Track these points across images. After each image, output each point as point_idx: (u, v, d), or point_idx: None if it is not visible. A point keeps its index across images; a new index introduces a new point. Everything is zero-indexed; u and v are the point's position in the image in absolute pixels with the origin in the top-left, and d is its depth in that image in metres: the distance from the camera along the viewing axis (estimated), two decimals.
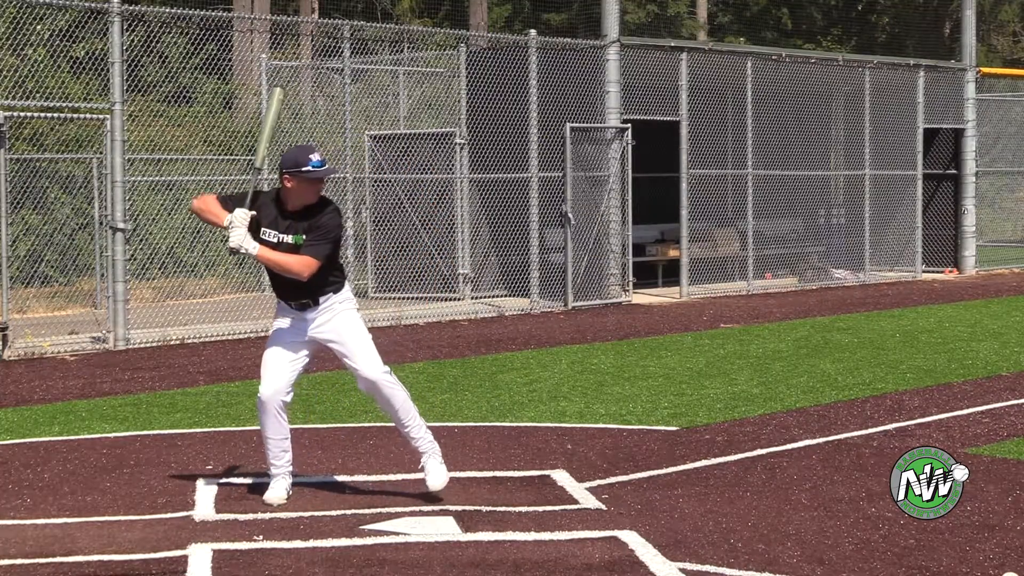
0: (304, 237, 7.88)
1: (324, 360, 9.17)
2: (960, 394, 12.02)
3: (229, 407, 11.59)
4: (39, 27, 18.05)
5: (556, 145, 20.03)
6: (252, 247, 7.81)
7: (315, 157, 7.83)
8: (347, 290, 8.13)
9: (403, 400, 8.05)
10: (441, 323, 18.23)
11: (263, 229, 7.92)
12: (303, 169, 7.80)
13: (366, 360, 7.99)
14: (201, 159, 21.29)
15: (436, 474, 8.04)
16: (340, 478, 8.67)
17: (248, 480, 8.62)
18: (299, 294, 7.99)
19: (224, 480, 8.64)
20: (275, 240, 7.89)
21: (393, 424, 8.25)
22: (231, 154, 21.39)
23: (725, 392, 12.14)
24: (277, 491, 8.04)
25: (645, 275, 22.37)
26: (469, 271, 20.56)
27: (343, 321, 8.02)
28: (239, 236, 7.79)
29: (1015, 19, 48.86)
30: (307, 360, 8.13)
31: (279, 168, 7.91)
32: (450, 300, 20.13)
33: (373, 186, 20.76)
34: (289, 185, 7.84)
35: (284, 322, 8.08)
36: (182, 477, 8.77)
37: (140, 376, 13.57)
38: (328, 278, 8.00)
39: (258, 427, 8.20)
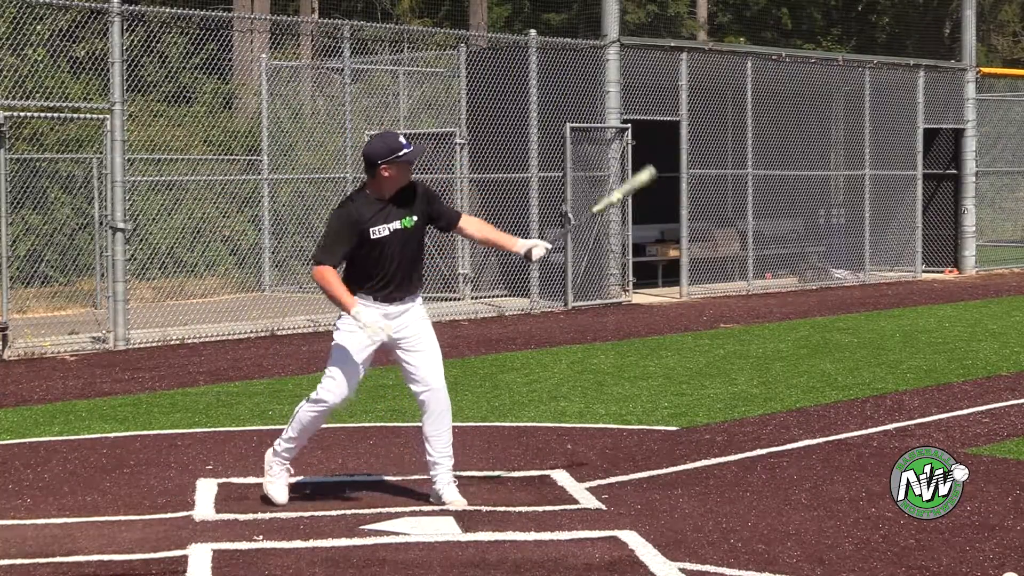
0: (414, 219, 7.80)
1: (324, 362, 9.15)
2: (960, 394, 12.02)
3: (229, 407, 11.58)
4: (39, 27, 18.04)
5: (556, 145, 20.03)
6: None
7: (403, 139, 7.79)
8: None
9: (449, 422, 7.95)
10: (441, 323, 18.21)
11: (371, 230, 7.72)
12: (401, 154, 7.71)
13: (438, 371, 7.89)
14: (201, 159, 21.29)
15: (450, 494, 7.92)
16: (340, 478, 8.68)
17: (248, 480, 8.62)
18: (409, 287, 7.84)
19: (224, 480, 8.64)
20: (387, 233, 7.75)
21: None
22: (231, 154, 21.39)
23: (725, 392, 12.14)
24: (282, 489, 8.00)
25: (645, 275, 22.36)
26: (469, 271, 20.56)
27: (425, 325, 7.91)
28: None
29: (1015, 19, 48.86)
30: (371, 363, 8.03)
31: (372, 161, 7.73)
32: (450, 300, 20.12)
33: None
34: (387, 174, 7.73)
35: (356, 323, 7.83)
36: (182, 477, 8.77)
37: (140, 376, 13.57)
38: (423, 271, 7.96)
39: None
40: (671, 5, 42.99)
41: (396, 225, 7.78)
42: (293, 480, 8.18)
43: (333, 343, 7.93)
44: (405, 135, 7.92)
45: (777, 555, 6.89)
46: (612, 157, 20.57)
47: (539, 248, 8.04)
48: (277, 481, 8.04)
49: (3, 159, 15.07)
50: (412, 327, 7.89)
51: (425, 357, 7.89)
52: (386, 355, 8.07)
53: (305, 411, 8.00)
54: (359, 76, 21.59)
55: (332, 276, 7.74)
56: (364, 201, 7.83)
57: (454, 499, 7.88)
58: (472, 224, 8.17)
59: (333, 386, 7.88)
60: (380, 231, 7.74)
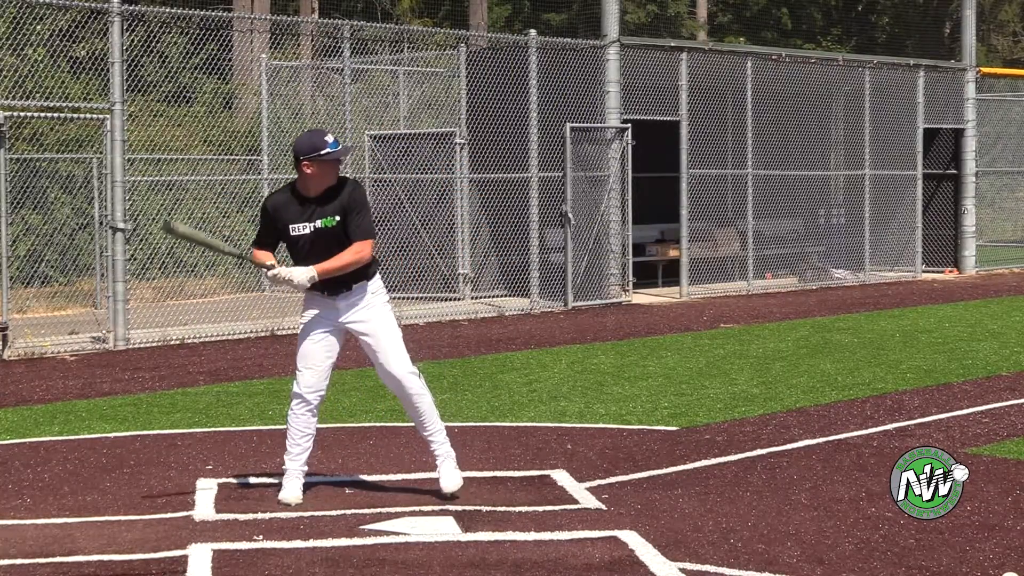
0: (336, 219, 7.82)
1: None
2: (960, 394, 12.02)
3: (229, 407, 11.59)
4: (39, 27, 18.05)
5: (556, 145, 20.03)
6: (305, 275, 7.76)
7: (330, 138, 7.84)
8: (379, 280, 8.07)
9: (427, 404, 8.04)
10: (441, 323, 18.22)
11: (290, 227, 7.85)
12: (323, 152, 7.77)
13: (396, 358, 7.96)
14: (201, 159, 21.30)
15: (449, 477, 8.01)
16: (340, 478, 8.68)
17: (248, 480, 8.62)
18: (341, 282, 7.87)
19: (224, 480, 8.64)
20: (308, 231, 7.82)
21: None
22: (231, 154, 21.39)
23: (725, 392, 12.14)
24: (293, 491, 7.99)
25: (645, 275, 22.36)
26: (469, 271, 20.56)
27: (376, 314, 7.98)
28: (286, 275, 7.82)
29: (1015, 19, 48.87)
30: (339, 351, 8.07)
31: (296, 156, 7.82)
32: (450, 300, 20.12)
33: (373, 186, 20.77)
34: (309, 171, 7.79)
35: (314, 313, 7.99)
36: (182, 477, 8.77)
37: (140, 376, 13.57)
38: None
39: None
40: (671, 5, 43.00)
41: (318, 224, 7.84)
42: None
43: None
44: (336, 135, 7.97)
45: (777, 555, 6.88)
46: (612, 157, 20.58)
47: (285, 275, 7.85)
48: (288, 484, 8.05)
49: (3, 159, 15.07)
50: (361, 315, 7.97)
51: (380, 344, 7.96)
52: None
53: (289, 414, 8.10)
54: (359, 76, 21.60)
55: (256, 252, 8.05)
56: (288, 197, 7.95)
57: (447, 485, 7.97)
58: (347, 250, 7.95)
59: (302, 377, 8.02)
60: (300, 229, 7.86)
